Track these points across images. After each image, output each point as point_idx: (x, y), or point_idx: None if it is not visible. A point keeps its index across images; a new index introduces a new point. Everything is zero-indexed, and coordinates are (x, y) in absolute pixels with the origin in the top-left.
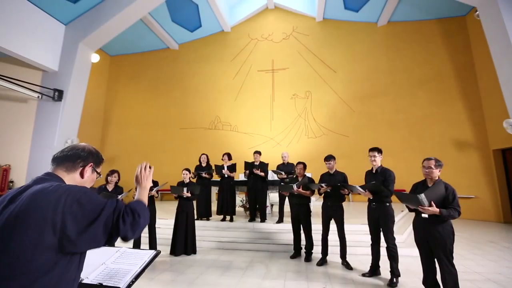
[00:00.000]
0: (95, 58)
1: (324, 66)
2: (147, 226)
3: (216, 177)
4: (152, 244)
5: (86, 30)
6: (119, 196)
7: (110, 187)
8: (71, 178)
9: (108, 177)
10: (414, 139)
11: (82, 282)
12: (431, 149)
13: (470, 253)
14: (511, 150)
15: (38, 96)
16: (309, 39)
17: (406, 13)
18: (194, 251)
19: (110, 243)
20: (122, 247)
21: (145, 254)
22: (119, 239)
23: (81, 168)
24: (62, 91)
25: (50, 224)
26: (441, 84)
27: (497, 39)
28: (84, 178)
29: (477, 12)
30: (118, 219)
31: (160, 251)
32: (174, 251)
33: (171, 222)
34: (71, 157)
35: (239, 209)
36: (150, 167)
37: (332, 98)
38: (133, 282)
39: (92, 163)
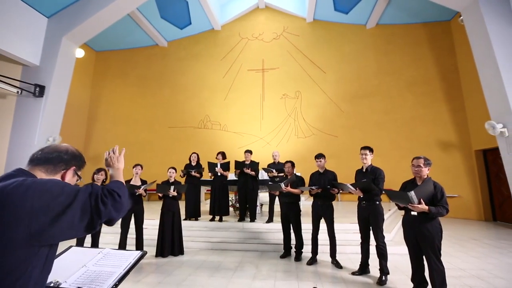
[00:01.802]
0: (80, 53)
1: (314, 67)
2: (133, 227)
3: (207, 177)
4: (139, 245)
5: (70, 23)
6: None
7: None
8: None
9: (95, 176)
10: (402, 140)
11: (60, 287)
12: (418, 150)
13: (455, 250)
14: (491, 151)
15: (18, 92)
16: (299, 39)
17: (394, 17)
18: (181, 252)
19: (93, 229)
20: (106, 248)
21: (130, 255)
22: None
23: (62, 171)
24: (44, 87)
25: (19, 217)
26: (427, 86)
27: (479, 43)
28: (64, 181)
29: (461, 17)
30: (97, 203)
31: (146, 252)
32: (161, 252)
33: (157, 222)
34: (53, 160)
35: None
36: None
37: (322, 99)
38: (116, 285)
39: (74, 167)
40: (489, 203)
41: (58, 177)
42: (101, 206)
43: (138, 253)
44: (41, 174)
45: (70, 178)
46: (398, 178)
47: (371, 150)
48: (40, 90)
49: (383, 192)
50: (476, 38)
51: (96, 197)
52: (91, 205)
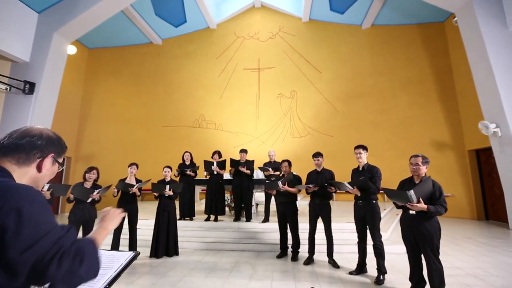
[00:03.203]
0: (72, 50)
1: (309, 66)
2: (127, 227)
3: (202, 176)
4: (133, 246)
5: (62, 19)
6: (95, 192)
7: (87, 185)
8: (23, 173)
9: (86, 174)
10: (397, 139)
11: None
12: (412, 149)
13: (450, 249)
14: (484, 151)
15: (6, 88)
16: (295, 39)
17: (389, 17)
18: (176, 253)
19: (25, 285)
20: None
21: (122, 256)
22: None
23: (38, 160)
24: (34, 84)
25: None
26: (422, 87)
27: (473, 43)
28: (42, 172)
29: (455, 18)
30: (52, 259)
31: (139, 252)
32: (155, 253)
33: (152, 222)
34: (24, 147)
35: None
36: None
37: (317, 98)
38: None
39: (53, 154)
40: (481, 202)
41: (32, 167)
42: (52, 267)
43: (130, 253)
44: (11, 166)
45: (49, 167)
46: (393, 178)
47: (365, 148)
48: (30, 87)
49: (381, 191)
50: (470, 39)
51: (58, 250)
52: (44, 258)
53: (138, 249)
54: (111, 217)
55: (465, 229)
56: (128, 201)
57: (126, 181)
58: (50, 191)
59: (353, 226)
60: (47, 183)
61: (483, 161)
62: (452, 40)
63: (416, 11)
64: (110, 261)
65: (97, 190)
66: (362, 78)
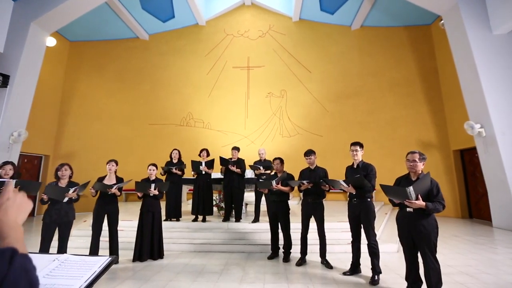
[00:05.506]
0: (51, 42)
1: (299, 66)
2: (107, 229)
3: (189, 175)
4: (113, 249)
5: (40, 8)
6: (71, 190)
7: (62, 184)
8: None
9: (58, 172)
10: (384, 139)
11: None
12: (399, 150)
13: (440, 247)
14: (468, 151)
15: None
16: (285, 38)
17: (377, 19)
18: (161, 256)
19: None
20: (64, 254)
21: (95, 262)
22: None
23: None
24: (8, 76)
25: None
26: (408, 88)
27: (459, 46)
28: None
29: (442, 21)
30: None
31: (116, 258)
32: (139, 256)
33: (136, 224)
34: None
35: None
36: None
37: (307, 98)
38: None
39: None
40: (465, 201)
41: None
42: None
43: (106, 259)
44: None
45: None
46: (380, 177)
47: (361, 145)
48: (3, 80)
49: (375, 189)
50: (456, 41)
51: None
52: None
53: (120, 252)
54: (17, 207)
55: (451, 227)
56: (108, 201)
57: (106, 179)
58: (17, 188)
59: (345, 225)
60: (15, 179)
61: (467, 161)
62: (438, 42)
63: (404, 14)
64: (81, 268)
65: (73, 188)
66: (351, 78)
